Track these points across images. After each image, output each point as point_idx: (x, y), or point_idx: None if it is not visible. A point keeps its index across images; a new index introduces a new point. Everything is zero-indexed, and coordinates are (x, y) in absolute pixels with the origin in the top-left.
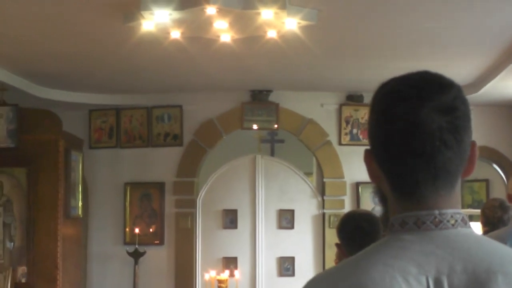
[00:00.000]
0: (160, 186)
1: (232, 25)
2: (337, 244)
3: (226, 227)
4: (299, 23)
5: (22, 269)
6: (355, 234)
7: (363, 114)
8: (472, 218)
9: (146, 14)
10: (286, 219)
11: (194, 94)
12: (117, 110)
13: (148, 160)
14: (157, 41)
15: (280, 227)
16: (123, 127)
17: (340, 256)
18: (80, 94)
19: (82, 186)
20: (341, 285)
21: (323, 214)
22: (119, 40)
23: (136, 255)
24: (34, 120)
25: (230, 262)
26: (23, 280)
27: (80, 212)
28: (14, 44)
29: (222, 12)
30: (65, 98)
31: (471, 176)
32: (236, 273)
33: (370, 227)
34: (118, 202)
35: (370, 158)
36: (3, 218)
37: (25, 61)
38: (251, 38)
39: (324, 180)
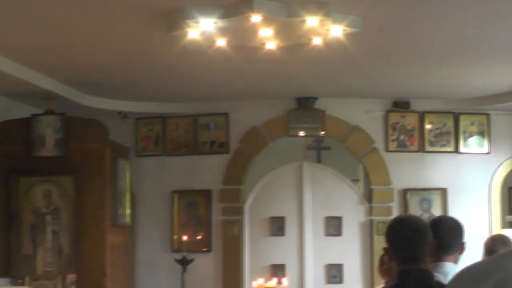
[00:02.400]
0: (206, 194)
1: (277, 33)
2: (384, 248)
3: (273, 234)
4: (344, 30)
5: (71, 277)
6: (402, 240)
7: (409, 121)
8: None
9: (191, 22)
10: (333, 226)
11: (240, 101)
12: (163, 118)
13: (194, 168)
14: (202, 50)
15: (328, 234)
16: (169, 135)
17: (385, 261)
18: (127, 102)
19: (130, 194)
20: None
21: (371, 221)
22: (164, 48)
23: (184, 263)
24: (80, 129)
25: (278, 270)
26: None
27: (127, 220)
28: (61, 54)
29: (267, 20)
30: (112, 106)
31: None
32: (284, 280)
33: (418, 232)
34: (165, 210)
35: None
36: (51, 226)
37: (72, 70)
38: (296, 46)
39: (371, 187)
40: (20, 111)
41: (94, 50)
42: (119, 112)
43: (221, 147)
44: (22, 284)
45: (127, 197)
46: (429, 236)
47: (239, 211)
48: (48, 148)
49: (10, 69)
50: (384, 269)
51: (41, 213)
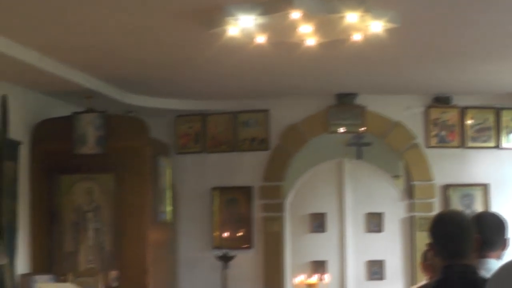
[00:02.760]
0: (247, 191)
1: (317, 29)
2: (428, 244)
3: (314, 230)
4: (384, 25)
5: (113, 274)
6: (447, 235)
7: (450, 116)
8: None
9: (230, 20)
10: (374, 222)
11: (280, 98)
12: (203, 116)
13: (234, 165)
14: (241, 47)
15: (369, 230)
16: (209, 133)
17: (429, 256)
18: (166, 100)
19: (170, 191)
20: None
21: (412, 217)
22: (203, 46)
23: (225, 259)
24: (121, 126)
25: (319, 266)
26: (114, 285)
27: (168, 217)
28: (102, 53)
29: (306, 16)
30: (152, 104)
31: None
32: (325, 277)
33: (462, 228)
34: (206, 207)
35: None
36: (93, 223)
37: (113, 68)
38: (335, 42)
39: (412, 183)
40: (62, 109)
41: (134, 48)
42: (130, 111)
43: (261, 144)
44: (65, 281)
45: (168, 194)
46: (473, 232)
47: (279, 208)
48: (89, 146)
49: (52, 68)
50: (427, 265)
51: (82, 210)
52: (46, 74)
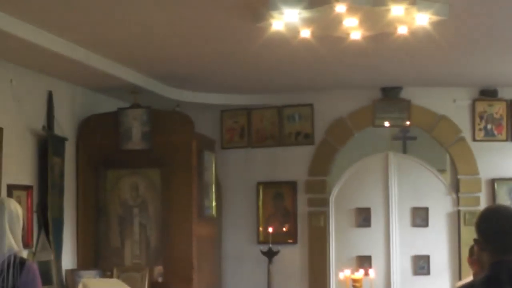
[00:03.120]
0: (292, 185)
1: (362, 22)
2: (475, 240)
3: (359, 225)
4: (430, 18)
5: (158, 269)
6: (495, 230)
7: (497, 109)
8: None
9: (275, 14)
10: (420, 217)
11: (325, 92)
12: (248, 110)
13: (279, 159)
14: (286, 41)
15: (414, 225)
16: (254, 127)
17: (475, 252)
18: (211, 95)
19: (215, 186)
20: None
21: (458, 212)
22: (249, 40)
23: (270, 254)
24: (167, 121)
25: (364, 261)
26: (160, 280)
27: (214, 212)
28: (146, 48)
29: (351, 9)
30: (197, 99)
31: None
32: (371, 272)
33: (510, 223)
34: (251, 202)
35: None
36: (139, 218)
37: (158, 63)
38: (381, 35)
39: (458, 177)
40: (108, 105)
41: (180, 43)
42: (177, 105)
43: (306, 138)
44: (111, 276)
45: (213, 189)
46: None
47: (325, 202)
48: (135, 141)
49: (98, 64)
50: (474, 260)
51: (128, 205)
52: (92, 70)
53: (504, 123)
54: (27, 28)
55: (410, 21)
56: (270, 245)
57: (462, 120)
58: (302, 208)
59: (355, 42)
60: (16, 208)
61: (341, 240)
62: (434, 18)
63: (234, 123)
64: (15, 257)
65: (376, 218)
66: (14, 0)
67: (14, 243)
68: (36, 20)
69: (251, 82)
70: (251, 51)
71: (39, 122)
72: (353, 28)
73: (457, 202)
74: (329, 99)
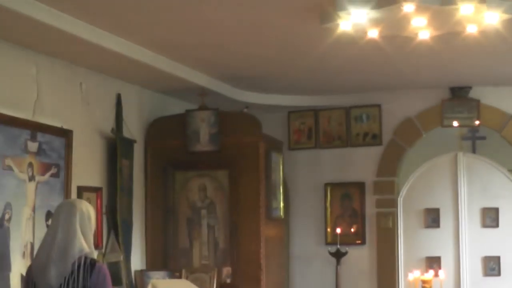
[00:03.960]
0: (360, 186)
1: (430, 22)
2: None
3: (428, 226)
4: (500, 16)
5: (226, 270)
6: None
7: None
8: None
9: (343, 14)
10: (490, 217)
11: (392, 93)
12: (315, 111)
13: (347, 160)
14: (353, 41)
15: (484, 225)
16: (322, 128)
17: None
18: (278, 96)
19: (283, 187)
20: None
21: None
22: (315, 41)
23: (338, 255)
24: (234, 123)
25: (433, 262)
26: (228, 281)
27: (281, 213)
28: (213, 50)
29: (419, 9)
30: (264, 100)
31: None
32: (441, 273)
33: None
34: (319, 203)
35: None
36: (207, 220)
37: (224, 65)
38: (449, 34)
39: None
40: (175, 107)
41: (247, 44)
42: (246, 107)
43: (374, 139)
44: (179, 277)
45: (281, 190)
46: None
47: (393, 203)
48: (203, 143)
49: (166, 66)
50: None
51: (197, 207)
52: (160, 72)
53: None
54: (96, 31)
55: (479, 19)
56: (338, 246)
57: None
58: (370, 209)
59: (423, 42)
60: (88, 209)
61: (409, 241)
62: (505, 16)
63: (302, 124)
64: (85, 258)
65: (445, 219)
66: (83, 4)
67: (85, 245)
68: (104, 23)
69: (318, 83)
70: (318, 52)
71: (108, 124)
72: (421, 27)
73: None
74: (397, 99)
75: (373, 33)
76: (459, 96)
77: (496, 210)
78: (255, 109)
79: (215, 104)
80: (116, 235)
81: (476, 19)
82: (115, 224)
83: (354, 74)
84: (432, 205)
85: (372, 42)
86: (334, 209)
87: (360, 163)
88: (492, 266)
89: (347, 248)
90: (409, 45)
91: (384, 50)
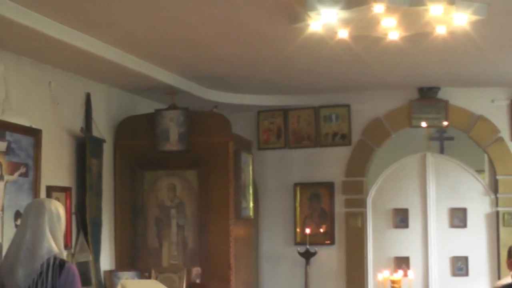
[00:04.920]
0: (329, 186)
1: (400, 22)
2: None
3: (397, 226)
4: (469, 18)
5: (196, 270)
6: None
7: None
8: None
9: (313, 14)
10: (458, 217)
11: (362, 93)
12: (285, 111)
13: (316, 160)
14: (323, 41)
15: (452, 226)
16: (291, 128)
17: None
18: (248, 95)
19: (252, 187)
20: None
21: (497, 212)
22: (285, 40)
23: (307, 255)
24: (203, 122)
25: (402, 262)
26: (197, 281)
27: (251, 213)
28: (182, 48)
29: (389, 9)
30: (233, 100)
31: None
32: (410, 273)
33: None
34: (288, 203)
35: None
36: (176, 219)
37: (193, 64)
38: (418, 35)
39: (497, 177)
40: (145, 106)
41: (216, 43)
42: (215, 106)
43: (343, 139)
44: (148, 277)
45: (250, 190)
46: None
47: (362, 203)
48: (172, 142)
49: (135, 65)
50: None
51: (166, 206)
52: (128, 71)
53: None
54: (65, 30)
55: (448, 21)
56: (307, 246)
57: (500, 120)
58: (339, 209)
59: (392, 42)
60: (57, 209)
61: (378, 241)
62: (473, 17)
63: (271, 124)
64: (54, 258)
65: (414, 219)
66: (52, 2)
67: (54, 245)
68: (73, 22)
69: (287, 82)
70: (288, 51)
71: (77, 123)
72: (391, 28)
73: (496, 202)
74: (366, 100)
75: (343, 33)
76: (427, 96)
77: (464, 211)
78: (225, 109)
79: (184, 104)
80: (85, 235)
81: (445, 20)
82: (84, 224)
83: (323, 74)
84: (401, 205)
85: (342, 42)
86: (303, 209)
87: (329, 163)
88: (460, 266)
89: (316, 248)
90: (378, 45)
91: (354, 50)
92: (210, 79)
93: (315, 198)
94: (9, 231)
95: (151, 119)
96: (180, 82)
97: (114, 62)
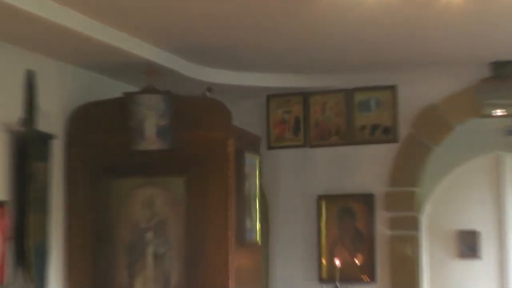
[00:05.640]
0: (366, 199)
1: None
2: None
3: (463, 255)
4: None
5: None
6: None
7: None
8: None
9: None
10: None
11: (411, 71)
12: (305, 96)
13: (349, 163)
14: (357, 2)
15: None
16: (314, 119)
17: None
18: (254, 75)
19: (260, 201)
20: None
21: None
22: (301, 3)
23: None
24: (193, 112)
25: None
26: None
27: (258, 237)
28: (163, 12)
29: None
30: (234, 80)
31: None
32: None
33: None
34: (309, 222)
35: None
36: (154, 246)
37: (178, 33)
38: None
39: None
40: (111, 89)
41: (209, 3)
42: (209, 89)
43: (386, 133)
44: None
45: (257, 205)
46: None
47: (413, 223)
48: (150, 139)
49: (99, 34)
50: None
51: (140, 228)
52: (90, 42)
53: None
54: None
55: None
56: (337, 284)
57: None
58: (381, 231)
59: (452, 3)
60: None
61: (437, 276)
62: None
63: (286, 114)
64: None
65: (487, 246)
66: None
67: None
68: None
69: (308, 57)
70: (310, 14)
71: (15, 113)
72: None
73: None
74: (418, 80)
75: None
76: (503, 74)
77: None
78: (222, 93)
79: (167, 86)
80: (26, 267)
81: None
82: (25, 251)
83: (357, 45)
84: (468, 226)
85: (383, 3)
86: (331, 231)
87: (367, 167)
88: None
89: (349, 287)
90: (433, 8)
91: (400, 13)
92: (200, 52)
93: (347, 215)
94: None
95: (120, 106)
96: (161, 56)
97: (70, 31)
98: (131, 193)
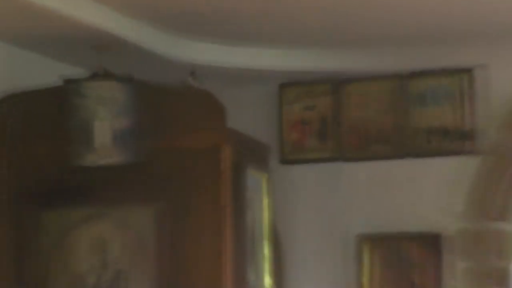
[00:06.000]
0: (431, 241)
1: None
2: None
3: None
4: None
5: None
6: None
7: None
8: None
9: None
10: None
11: (494, 48)
12: (335, 84)
13: (402, 186)
14: None
15: None
16: (349, 117)
17: None
18: (259, 51)
19: (271, 239)
20: None
21: None
22: None
23: None
24: (169, 107)
25: None
26: None
27: None
28: None
29: None
30: (229, 61)
31: None
32: None
33: None
34: (344, 275)
35: None
36: None
37: None
38: None
39: None
40: (47, 73)
41: None
42: (192, 73)
43: (459, 139)
44: None
45: (266, 246)
46: None
47: (502, 277)
48: (101, 149)
49: None
50: None
51: (87, 283)
52: (23, 5)
53: None
54: None
55: None
56: None
57: None
58: (454, 286)
59: None
60: None
61: None
62: None
63: (307, 111)
64: None
65: None
66: None
67: None
68: None
69: (340, 26)
70: None
71: None
72: None
73: None
74: (504, 61)
75: None
76: None
77: None
78: (212, 79)
79: (129, 69)
80: None
81: None
82: None
83: (410, 10)
84: None
85: None
86: (376, 283)
87: (429, 192)
88: None
89: None
90: None
91: None
92: (179, 19)
93: (400, 264)
94: None
95: (58, 99)
96: (121, 24)
97: None
98: (73, 232)
